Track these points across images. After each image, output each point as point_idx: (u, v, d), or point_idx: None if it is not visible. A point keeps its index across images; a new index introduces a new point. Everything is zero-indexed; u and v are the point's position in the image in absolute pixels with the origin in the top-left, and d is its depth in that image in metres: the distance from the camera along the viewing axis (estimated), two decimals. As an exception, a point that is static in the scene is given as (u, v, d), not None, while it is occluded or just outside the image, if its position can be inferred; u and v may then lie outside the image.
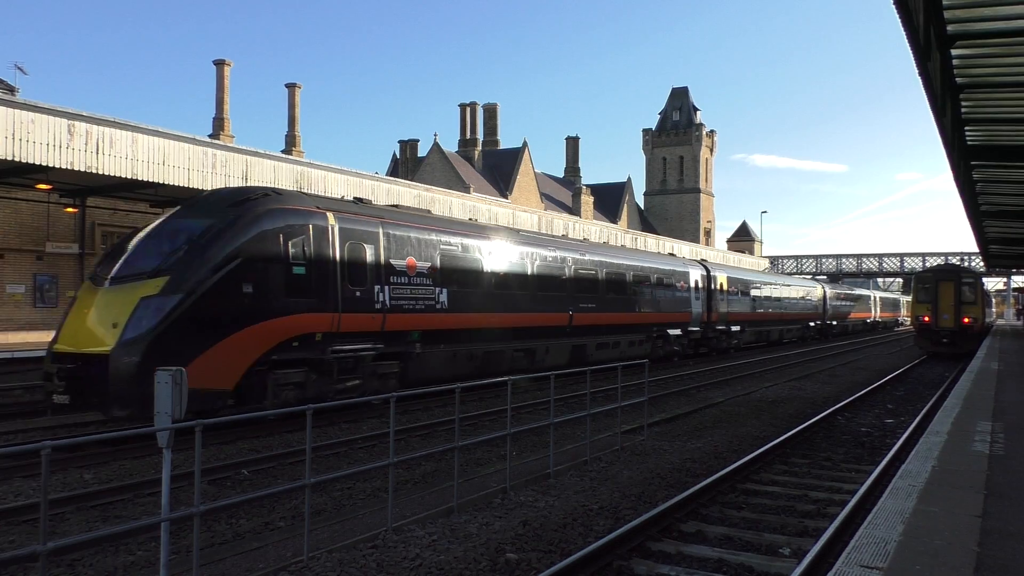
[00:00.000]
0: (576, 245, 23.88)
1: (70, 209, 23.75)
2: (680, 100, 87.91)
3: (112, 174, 18.95)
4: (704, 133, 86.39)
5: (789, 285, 45.21)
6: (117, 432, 11.43)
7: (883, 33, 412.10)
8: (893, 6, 7.98)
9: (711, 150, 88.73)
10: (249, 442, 12.44)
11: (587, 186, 70.56)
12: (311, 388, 13.84)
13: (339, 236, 14.36)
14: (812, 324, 48.61)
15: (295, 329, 13.31)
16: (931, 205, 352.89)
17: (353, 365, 14.68)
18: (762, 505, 8.85)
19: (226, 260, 12.31)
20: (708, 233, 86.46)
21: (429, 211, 21.95)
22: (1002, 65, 10.33)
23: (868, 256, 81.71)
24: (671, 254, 37.04)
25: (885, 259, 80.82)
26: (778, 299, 41.70)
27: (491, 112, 70.08)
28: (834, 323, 53.92)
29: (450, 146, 66.03)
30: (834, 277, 79.15)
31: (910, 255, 79.00)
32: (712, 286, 31.94)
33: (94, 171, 18.45)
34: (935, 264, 59.90)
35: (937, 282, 32.82)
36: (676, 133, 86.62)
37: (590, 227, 41.91)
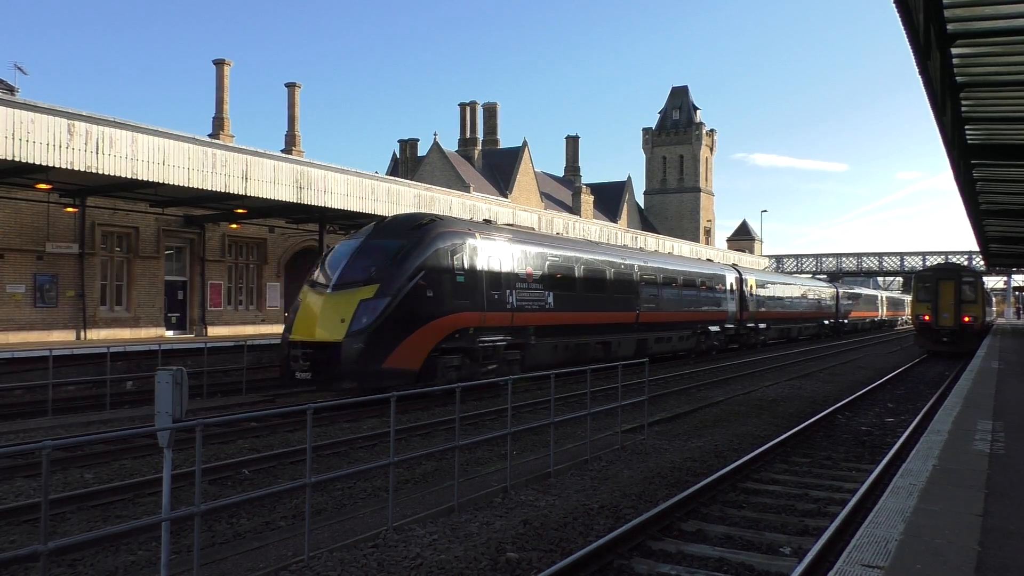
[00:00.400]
0: (640, 254, 28.50)
1: (70, 209, 23.74)
2: (680, 99, 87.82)
3: (112, 174, 18.93)
4: (704, 132, 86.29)
5: (807, 287, 49.16)
6: (117, 432, 11.45)
7: (883, 32, 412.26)
8: (893, 5, 7.98)
9: (711, 149, 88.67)
10: (249, 441, 12.44)
11: (587, 185, 70.45)
12: (465, 370, 17.29)
13: (483, 251, 18.17)
14: (826, 322, 52.15)
15: (457, 324, 17.05)
16: (932, 204, 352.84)
17: (492, 353, 18.34)
18: (763, 504, 8.84)
19: (415, 272, 16.04)
20: (708, 232, 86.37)
21: (533, 228, 27.50)
22: (1002, 64, 10.32)
23: (868, 255, 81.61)
24: (708, 259, 41.41)
25: (885, 258, 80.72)
26: (798, 299, 45.63)
27: (491, 111, 70.01)
28: (845, 321, 57.54)
29: (450, 145, 66.04)
30: (834, 276, 79.06)
31: (910, 254, 78.91)
32: (743, 288, 35.63)
33: (94, 171, 18.44)
34: (935, 263, 59.91)
35: (937, 281, 32.79)
36: (676, 132, 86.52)
37: (590, 226, 41.89)
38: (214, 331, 28.39)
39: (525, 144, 66.10)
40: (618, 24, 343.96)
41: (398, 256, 16.08)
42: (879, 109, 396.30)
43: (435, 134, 65.00)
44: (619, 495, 9.00)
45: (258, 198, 23.05)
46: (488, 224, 20.39)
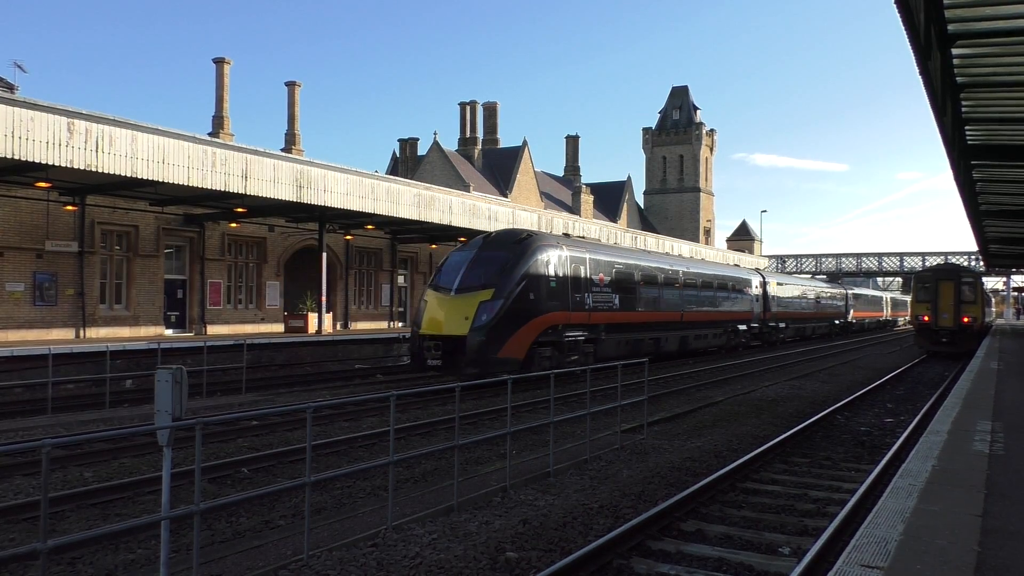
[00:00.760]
0: (683, 261, 32.38)
1: (70, 207, 23.73)
2: (680, 99, 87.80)
3: (112, 172, 18.92)
4: (704, 132, 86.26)
5: (820, 289, 53.12)
6: (117, 430, 11.44)
7: (884, 32, 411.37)
8: (894, 5, 7.98)
9: (711, 149, 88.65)
10: (249, 440, 12.44)
11: (587, 185, 70.44)
12: (554, 360, 20.25)
13: (568, 260, 21.35)
14: (836, 322, 55.74)
15: (550, 322, 20.28)
16: (931, 204, 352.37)
17: (574, 346, 21.37)
18: (762, 504, 8.85)
19: (521, 278, 19.40)
20: (708, 232, 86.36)
21: (599, 240, 32.09)
22: (1003, 64, 10.33)
23: (868, 255, 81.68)
24: (736, 264, 46.97)
25: (885, 258, 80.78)
26: (812, 300, 49.37)
27: (491, 111, 69.98)
28: (853, 321, 61.15)
29: (450, 145, 66.02)
30: (833, 276, 79.18)
31: (910, 254, 78.98)
32: (766, 291, 39.21)
33: (94, 169, 18.43)
34: (935, 264, 59.93)
35: (937, 281, 32.78)
36: (676, 132, 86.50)
37: (590, 226, 41.89)
38: (213, 330, 28.39)
39: (525, 144, 66.10)
40: (618, 24, 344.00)
41: (506, 266, 19.50)
42: (879, 109, 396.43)
43: (435, 133, 64.97)
44: (619, 495, 9.00)
45: (258, 197, 23.05)
46: (568, 237, 24.51)
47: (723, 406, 17.02)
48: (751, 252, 79.67)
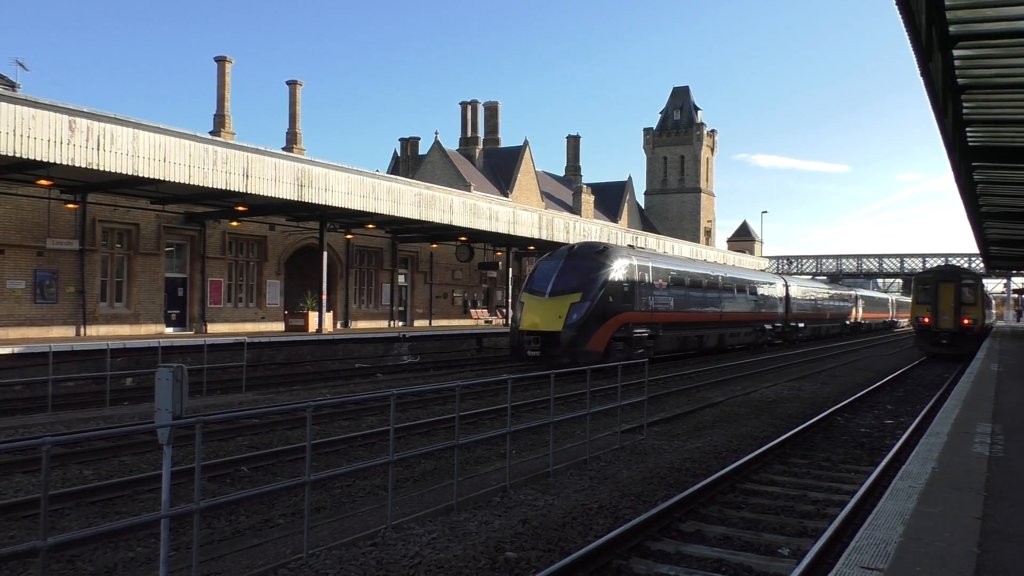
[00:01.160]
0: (721, 267, 36.45)
1: (71, 205, 23.75)
2: (681, 99, 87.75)
3: (113, 170, 18.94)
4: (705, 133, 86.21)
5: (834, 292, 56.82)
6: (117, 428, 11.44)
7: (885, 33, 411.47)
8: (895, 7, 7.98)
9: (712, 150, 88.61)
10: (249, 439, 12.45)
11: (588, 185, 70.40)
12: (625, 353, 23.30)
13: (635, 267, 24.90)
14: (847, 322, 59.42)
15: (622, 321, 23.75)
16: (932, 206, 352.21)
17: (639, 341, 24.74)
18: (761, 505, 8.84)
19: (603, 284, 22.95)
20: (708, 233, 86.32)
21: (655, 250, 36.40)
22: (1004, 66, 10.32)
23: (868, 257, 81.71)
24: (763, 269, 53.77)
25: (885, 260, 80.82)
26: (827, 302, 52.77)
27: (492, 110, 69.95)
28: (862, 322, 64.94)
29: (451, 144, 66.00)
30: (834, 277, 79.22)
31: (910, 256, 79.02)
32: (788, 293, 42.82)
33: (95, 167, 18.44)
34: (935, 265, 59.94)
35: (937, 283, 32.74)
36: (677, 132, 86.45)
37: (591, 226, 41.89)
38: (214, 328, 28.41)
39: (526, 143, 66.08)
40: (619, 24, 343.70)
41: (591, 273, 23.09)
42: (880, 111, 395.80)
43: (436, 133, 65.07)
44: (618, 495, 9.00)
45: (259, 196, 23.06)
46: (632, 248, 28.70)
47: (723, 407, 17.02)
48: (751, 253, 79.65)
